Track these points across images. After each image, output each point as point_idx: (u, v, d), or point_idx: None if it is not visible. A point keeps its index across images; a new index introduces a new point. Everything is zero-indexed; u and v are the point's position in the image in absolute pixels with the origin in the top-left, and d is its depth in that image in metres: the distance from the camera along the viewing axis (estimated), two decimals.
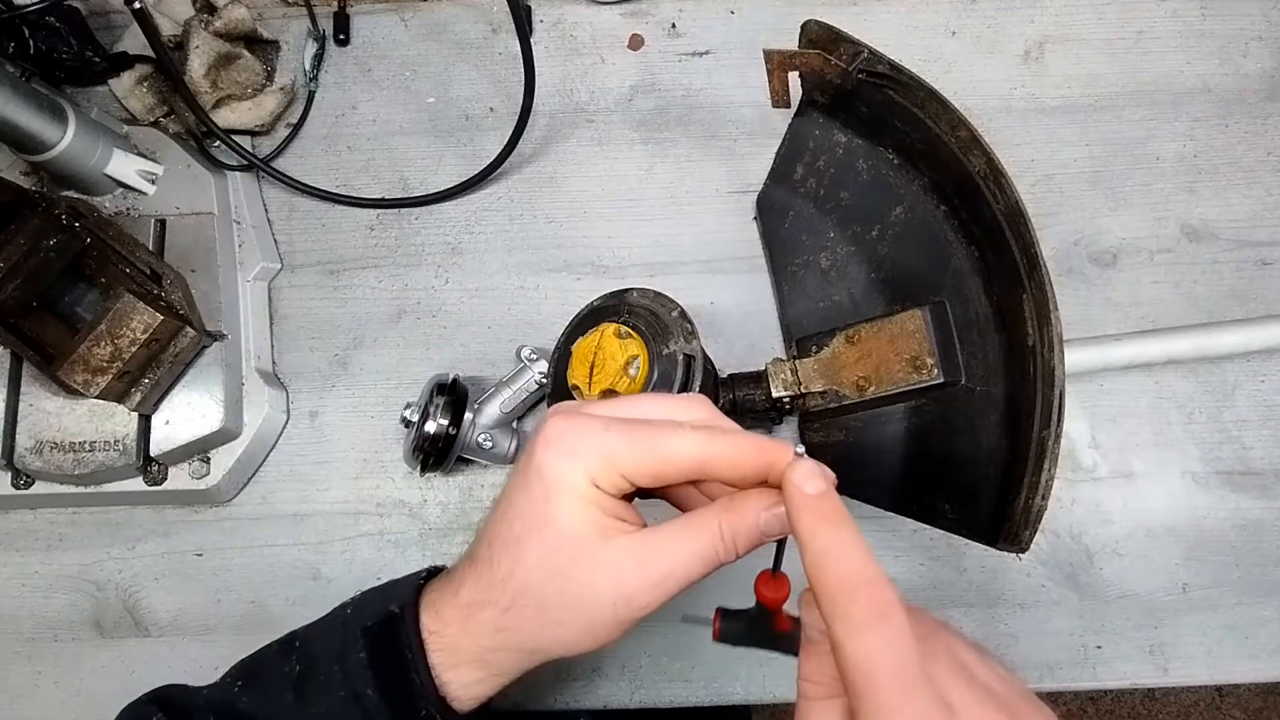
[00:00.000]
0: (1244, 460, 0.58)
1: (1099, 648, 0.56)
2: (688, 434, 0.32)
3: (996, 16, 0.66)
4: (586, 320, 0.51)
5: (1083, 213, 0.62)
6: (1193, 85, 0.64)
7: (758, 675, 0.56)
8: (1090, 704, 1.38)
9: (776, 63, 0.53)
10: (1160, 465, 0.58)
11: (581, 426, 0.33)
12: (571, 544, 0.32)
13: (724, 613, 0.36)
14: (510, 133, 0.60)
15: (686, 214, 0.64)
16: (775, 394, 0.54)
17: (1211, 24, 0.65)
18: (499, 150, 0.62)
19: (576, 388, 0.48)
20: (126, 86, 0.63)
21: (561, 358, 0.50)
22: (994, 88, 0.64)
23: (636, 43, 0.67)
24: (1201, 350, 0.57)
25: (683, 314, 0.49)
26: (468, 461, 0.59)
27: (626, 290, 0.51)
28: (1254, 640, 0.56)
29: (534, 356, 0.57)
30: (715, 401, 0.53)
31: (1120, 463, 0.58)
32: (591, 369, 0.48)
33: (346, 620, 0.36)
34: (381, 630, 0.35)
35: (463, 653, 0.34)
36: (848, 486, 0.53)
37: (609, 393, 0.47)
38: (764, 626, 0.35)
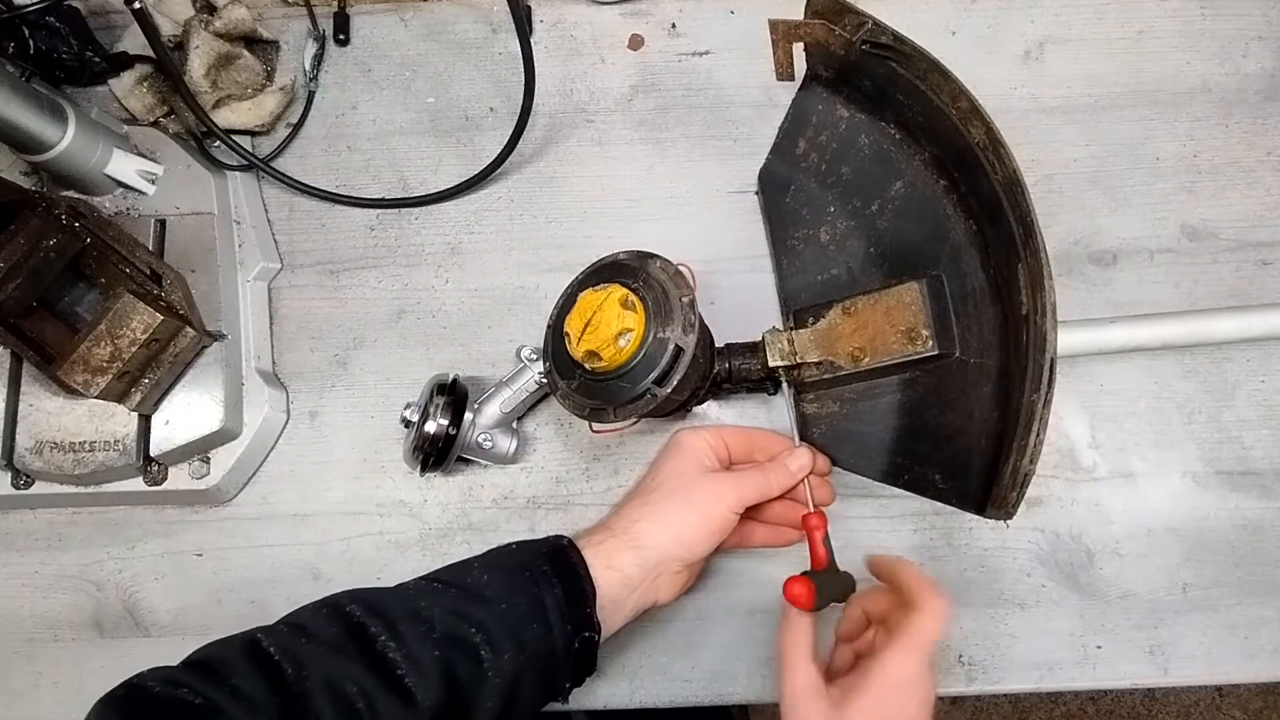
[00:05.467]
0: (1244, 460, 0.58)
1: (1099, 648, 0.56)
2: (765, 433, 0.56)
3: (996, 16, 0.66)
4: (604, 272, 0.51)
5: (1083, 213, 0.62)
6: (1193, 85, 0.64)
7: (757, 675, 0.56)
8: (1090, 704, 1.38)
9: (781, 33, 0.53)
10: (1160, 465, 0.58)
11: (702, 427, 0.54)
12: (696, 471, 0.50)
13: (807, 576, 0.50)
14: (510, 133, 0.60)
15: (687, 214, 0.64)
16: (771, 363, 0.53)
17: (1211, 24, 0.65)
18: (499, 150, 0.62)
19: (567, 335, 0.48)
20: (126, 86, 0.63)
21: (568, 300, 0.50)
22: (994, 88, 0.64)
23: (636, 43, 0.67)
24: (1196, 336, 0.56)
25: (693, 304, 0.48)
26: (468, 461, 0.59)
27: (653, 256, 0.51)
28: (1254, 640, 0.56)
29: (534, 356, 0.57)
30: (710, 369, 0.54)
31: (1120, 463, 0.58)
32: (586, 325, 0.47)
33: (513, 553, 0.48)
34: (555, 554, 0.47)
35: (634, 590, 0.48)
36: (840, 458, 0.54)
37: (592, 355, 0.47)
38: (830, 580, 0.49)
